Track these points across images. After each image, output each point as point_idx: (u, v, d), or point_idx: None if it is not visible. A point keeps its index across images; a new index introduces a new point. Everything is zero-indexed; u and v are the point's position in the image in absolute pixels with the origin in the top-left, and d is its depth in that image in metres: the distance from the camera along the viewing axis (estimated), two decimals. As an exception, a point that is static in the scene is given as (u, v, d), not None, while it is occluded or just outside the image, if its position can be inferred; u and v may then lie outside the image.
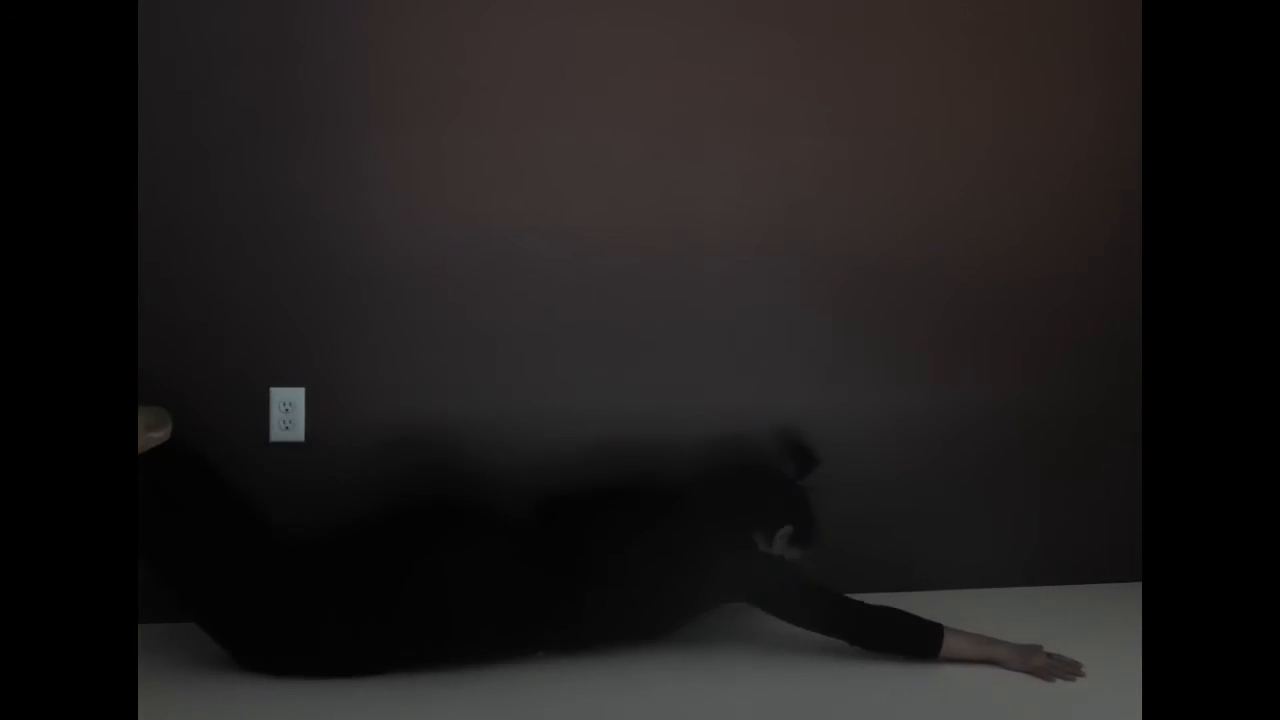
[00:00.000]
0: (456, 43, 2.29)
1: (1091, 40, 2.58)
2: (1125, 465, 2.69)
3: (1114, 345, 2.68)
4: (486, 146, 2.33)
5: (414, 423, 2.36)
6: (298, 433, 2.30)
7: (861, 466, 2.58)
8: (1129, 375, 2.69)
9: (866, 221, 2.52)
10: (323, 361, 2.30)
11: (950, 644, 2.10)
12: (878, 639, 2.10)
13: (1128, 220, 2.64)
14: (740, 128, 2.43)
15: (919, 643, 2.09)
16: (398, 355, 2.34)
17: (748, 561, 2.12)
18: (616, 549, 2.05)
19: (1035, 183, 2.61)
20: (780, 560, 2.19)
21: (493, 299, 2.37)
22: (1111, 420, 2.70)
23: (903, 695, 1.98)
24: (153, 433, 1.93)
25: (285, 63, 2.23)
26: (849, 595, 2.14)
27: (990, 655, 2.12)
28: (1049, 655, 2.12)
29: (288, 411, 2.30)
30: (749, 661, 2.14)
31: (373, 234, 2.31)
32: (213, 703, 1.87)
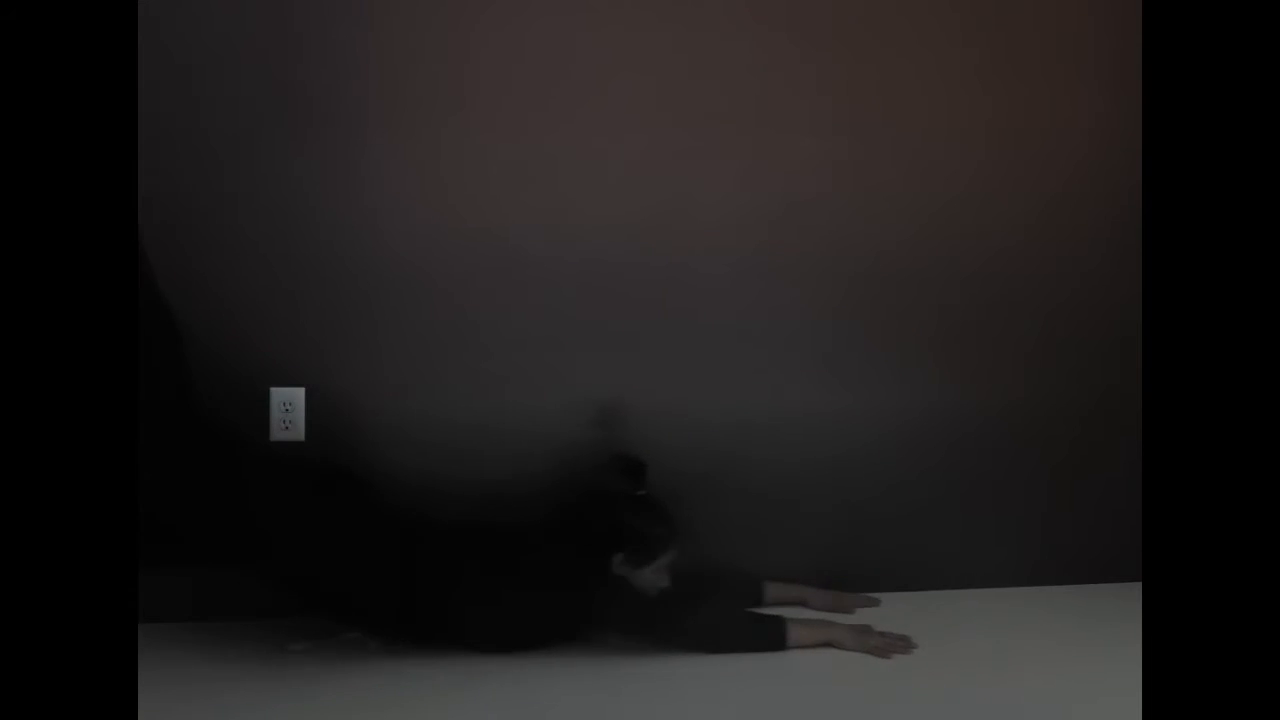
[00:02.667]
0: (457, 43, 2.29)
1: (1091, 41, 2.58)
2: (1125, 465, 2.69)
3: (1114, 345, 2.68)
4: (486, 146, 2.33)
5: (414, 423, 2.36)
6: (298, 433, 2.31)
7: (862, 466, 2.58)
8: (1129, 374, 2.69)
9: (866, 221, 2.52)
10: (323, 361, 2.30)
11: (794, 633, 2.17)
12: (728, 642, 2.16)
13: (1127, 220, 2.64)
14: (740, 128, 2.43)
15: (767, 637, 2.17)
16: (398, 355, 2.34)
17: (589, 594, 2.13)
18: (475, 571, 2.07)
19: (1035, 183, 2.61)
20: (622, 585, 2.17)
21: (493, 299, 2.37)
22: (1111, 420, 2.70)
23: (901, 695, 1.98)
24: None
25: (286, 63, 2.23)
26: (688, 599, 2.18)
27: (829, 637, 2.20)
28: (881, 634, 2.21)
29: (288, 411, 2.30)
30: (748, 663, 2.14)
31: (373, 234, 2.31)
32: (213, 703, 1.87)
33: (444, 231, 2.33)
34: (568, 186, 2.38)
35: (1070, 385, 2.68)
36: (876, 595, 2.48)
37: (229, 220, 2.25)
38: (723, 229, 2.46)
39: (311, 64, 2.24)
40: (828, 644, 2.20)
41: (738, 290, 2.48)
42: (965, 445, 2.63)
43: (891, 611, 2.46)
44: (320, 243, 2.29)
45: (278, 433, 2.30)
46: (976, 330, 2.62)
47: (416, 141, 2.30)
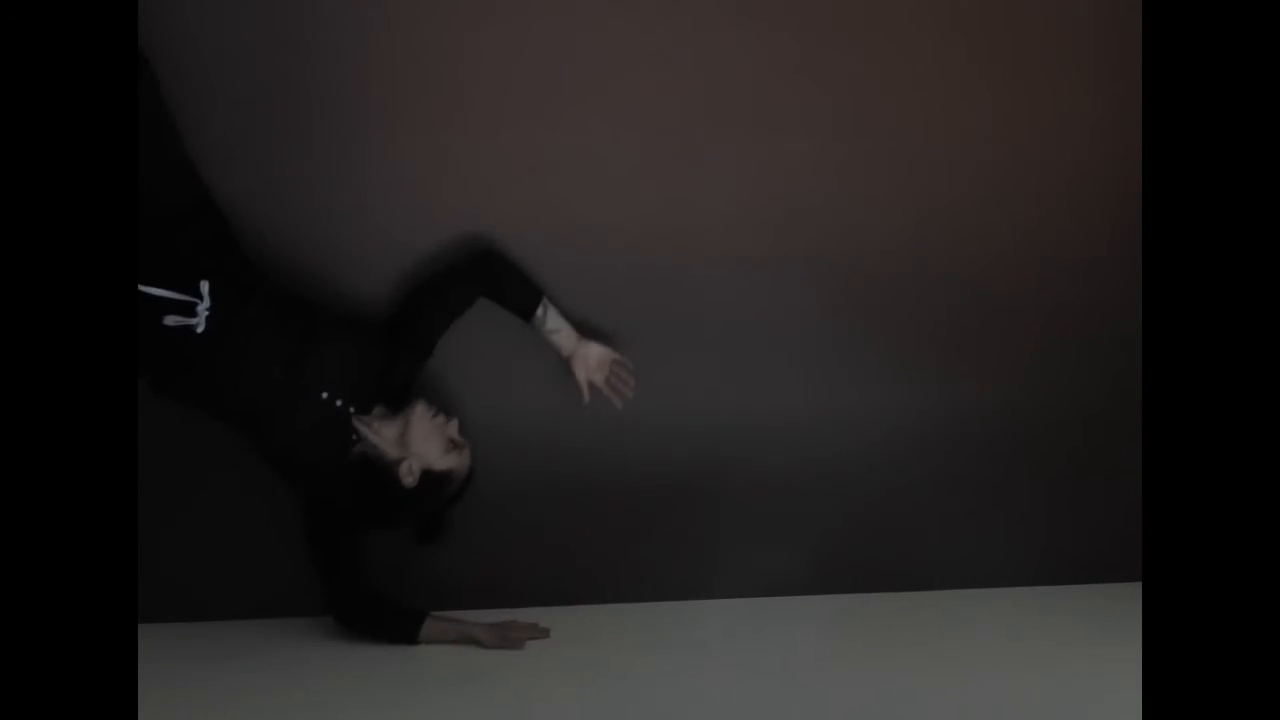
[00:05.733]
0: (457, 43, 2.29)
1: (1092, 40, 2.58)
2: (1125, 465, 2.69)
3: (1114, 345, 2.67)
4: (486, 146, 2.33)
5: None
6: (298, 433, 2.30)
7: (862, 467, 2.58)
8: (1129, 374, 2.68)
9: (867, 222, 2.52)
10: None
11: (429, 629, 2.21)
12: (362, 625, 2.21)
13: (1128, 220, 2.63)
14: (740, 128, 2.43)
15: (399, 629, 2.21)
16: (398, 355, 2.34)
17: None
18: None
19: (1035, 183, 2.60)
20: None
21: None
22: (1112, 420, 2.70)
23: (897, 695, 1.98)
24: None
25: (286, 63, 2.23)
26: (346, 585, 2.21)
27: (467, 635, 2.23)
28: (516, 626, 2.25)
29: None
30: (750, 664, 2.14)
31: (373, 234, 2.31)
32: (213, 703, 1.87)
33: (443, 232, 2.33)
34: (567, 187, 2.37)
35: (1071, 385, 2.68)
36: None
37: (229, 220, 2.24)
38: (723, 229, 2.45)
39: (311, 64, 2.23)
40: (466, 641, 2.23)
41: (738, 290, 2.48)
42: (965, 445, 2.63)
43: (892, 612, 2.46)
44: (320, 243, 2.29)
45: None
46: (977, 330, 2.62)
47: (415, 141, 2.30)
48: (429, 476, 2.12)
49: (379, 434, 2.12)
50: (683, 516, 2.52)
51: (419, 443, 2.11)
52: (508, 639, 2.23)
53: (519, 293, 2.26)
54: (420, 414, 2.13)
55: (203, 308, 1.99)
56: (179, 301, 1.97)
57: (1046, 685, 2.05)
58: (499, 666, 2.06)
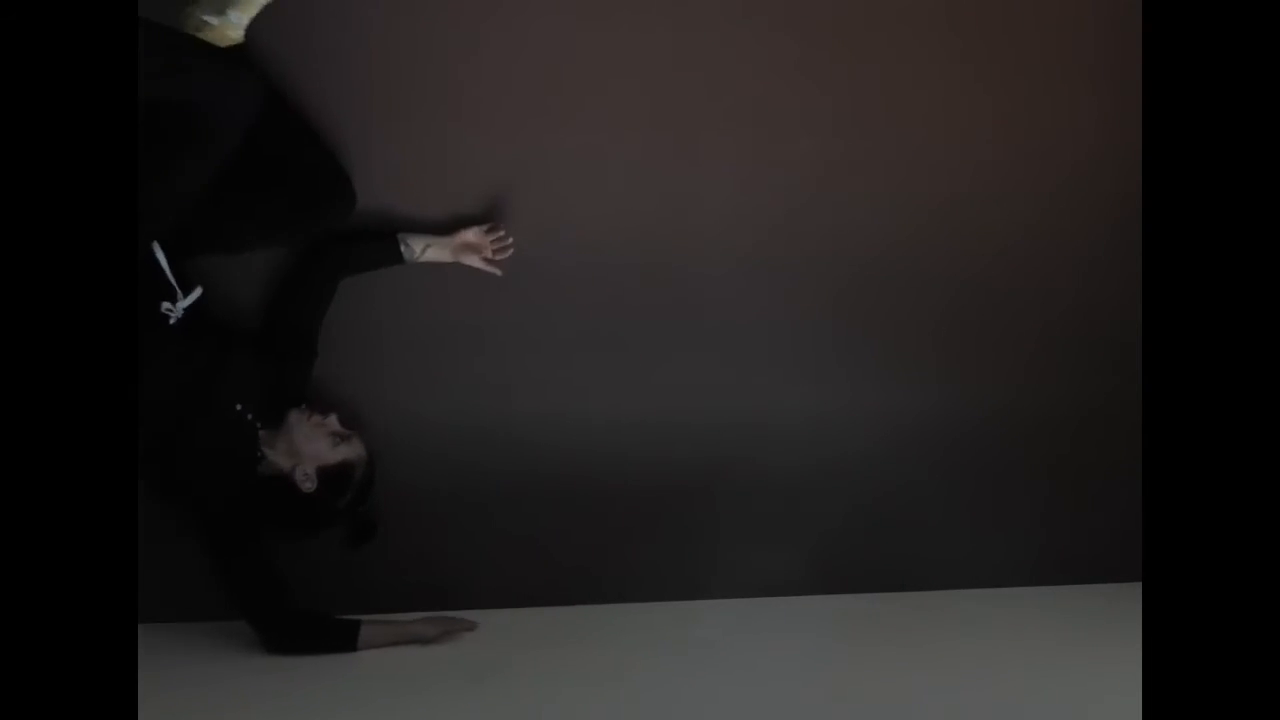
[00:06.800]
0: (457, 43, 2.29)
1: (1091, 40, 2.58)
2: (1125, 465, 2.68)
3: (1114, 344, 2.67)
4: (486, 146, 2.33)
5: (413, 422, 2.36)
6: (298, 433, 2.30)
7: (862, 467, 2.58)
8: (1129, 374, 2.68)
9: (866, 222, 2.52)
10: (323, 361, 2.30)
11: (366, 634, 2.14)
12: (299, 645, 2.13)
13: (1127, 220, 2.63)
14: (740, 128, 2.43)
15: (338, 639, 2.13)
16: (398, 355, 2.34)
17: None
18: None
19: (1035, 183, 2.60)
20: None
21: (492, 299, 2.36)
22: (1111, 420, 2.69)
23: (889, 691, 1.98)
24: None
25: (285, 63, 2.23)
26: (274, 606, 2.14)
27: (410, 634, 2.17)
28: (453, 623, 2.20)
29: None
30: (749, 664, 2.14)
31: (373, 234, 2.31)
32: (213, 702, 1.87)
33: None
34: (567, 187, 2.37)
35: (1070, 385, 2.68)
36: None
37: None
38: (722, 229, 2.45)
39: (310, 63, 2.23)
40: (408, 641, 2.17)
41: (737, 290, 2.48)
42: (965, 445, 2.63)
43: (892, 612, 2.46)
44: (320, 243, 2.29)
45: (278, 433, 2.29)
46: (977, 330, 2.62)
47: (415, 141, 2.30)
48: (326, 474, 2.12)
49: (273, 449, 2.13)
50: (683, 516, 2.51)
51: (304, 445, 2.11)
52: (451, 631, 2.20)
53: (373, 251, 2.24)
54: (296, 419, 2.13)
55: (183, 302, 2.00)
56: (164, 285, 1.98)
57: (1046, 685, 2.05)
58: (497, 667, 2.06)
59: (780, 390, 2.52)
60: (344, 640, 2.13)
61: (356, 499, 2.19)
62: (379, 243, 2.24)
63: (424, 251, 2.23)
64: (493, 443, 2.39)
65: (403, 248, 2.23)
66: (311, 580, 2.30)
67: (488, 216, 2.33)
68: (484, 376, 2.39)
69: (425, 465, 2.35)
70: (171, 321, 2.00)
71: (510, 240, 2.28)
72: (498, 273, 2.26)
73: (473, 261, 2.26)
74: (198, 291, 2.06)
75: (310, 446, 2.12)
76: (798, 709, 1.91)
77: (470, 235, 2.25)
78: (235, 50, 2.04)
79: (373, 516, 2.24)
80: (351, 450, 2.16)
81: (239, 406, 2.11)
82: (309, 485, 2.11)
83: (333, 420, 2.15)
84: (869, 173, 2.51)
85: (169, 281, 2.02)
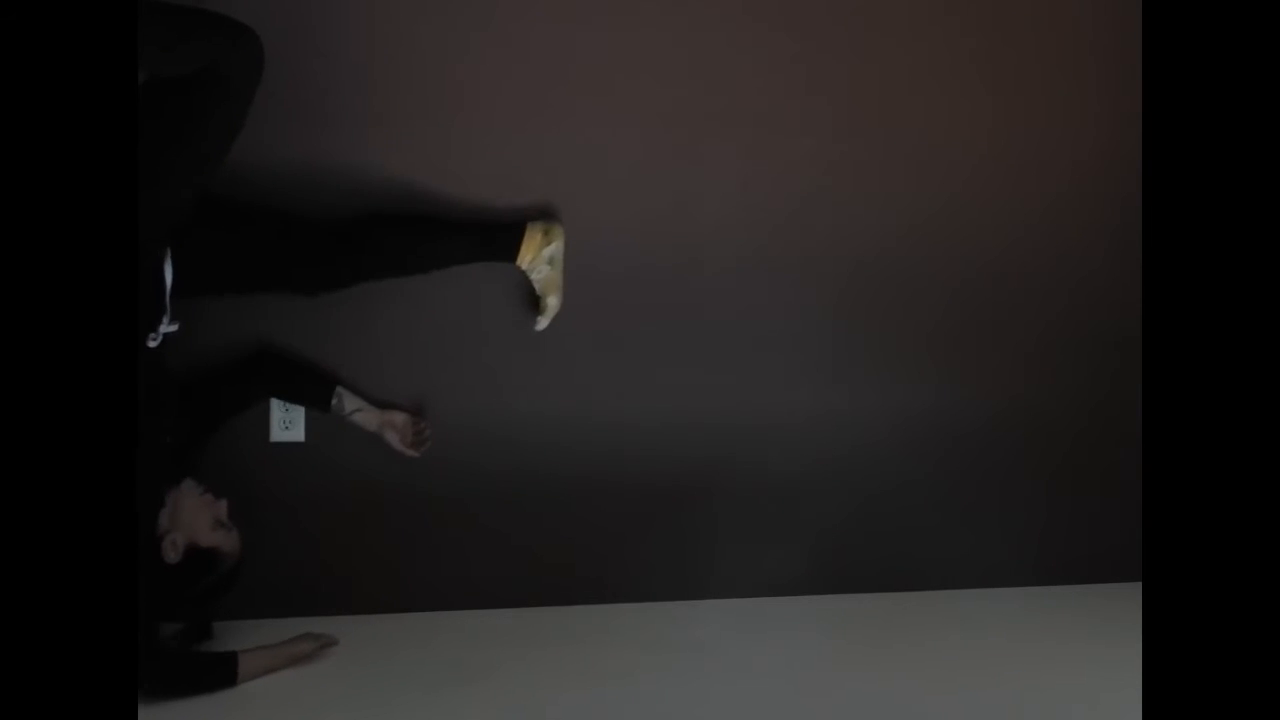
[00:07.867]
0: (458, 44, 2.29)
1: (1091, 40, 2.58)
2: (1125, 465, 2.69)
3: (1114, 344, 2.68)
4: (486, 146, 2.33)
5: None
6: (298, 433, 2.30)
7: (862, 467, 2.58)
8: (1129, 374, 2.68)
9: (866, 222, 2.52)
10: (323, 361, 2.30)
11: (245, 665, 2.01)
12: (179, 688, 1.97)
13: (1127, 220, 2.64)
14: (739, 128, 2.43)
15: (217, 676, 2.00)
16: (398, 354, 2.34)
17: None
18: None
19: (1035, 183, 2.60)
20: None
21: (492, 299, 2.36)
22: (1111, 420, 2.70)
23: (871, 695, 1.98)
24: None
25: (286, 62, 2.22)
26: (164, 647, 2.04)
27: (288, 657, 2.08)
28: (317, 640, 2.11)
29: (288, 411, 2.30)
30: (749, 664, 2.14)
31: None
32: (213, 703, 1.87)
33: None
34: (567, 187, 2.37)
35: (1070, 385, 2.68)
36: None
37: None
38: (723, 229, 2.45)
39: (311, 63, 2.23)
40: (289, 664, 2.08)
41: (738, 290, 2.48)
42: (965, 445, 2.63)
43: (892, 612, 2.46)
44: (320, 243, 2.29)
45: (278, 433, 2.30)
46: (977, 330, 2.62)
47: (416, 141, 2.30)
48: (193, 553, 2.03)
49: (162, 505, 2.06)
50: (683, 516, 2.51)
51: (186, 515, 2.04)
52: (326, 644, 2.11)
53: (309, 388, 2.27)
54: (188, 489, 2.07)
55: (165, 328, 1.99)
56: (157, 306, 1.98)
57: (1046, 685, 2.05)
58: (498, 667, 2.06)
59: (780, 390, 2.52)
60: (222, 676, 2.00)
61: (208, 592, 2.10)
62: (317, 386, 2.26)
63: (353, 414, 2.26)
64: (492, 443, 2.39)
65: (335, 400, 2.25)
66: (312, 580, 2.31)
67: (485, 216, 2.33)
68: (484, 376, 2.39)
69: (425, 465, 2.35)
70: (150, 345, 1.98)
71: (429, 434, 2.31)
72: (415, 454, 2.29)
73: (392, 440, 2.28)
74: (175, 325, 2.02)
75: (191, 519, 2.05)
76: (797, 709, 1.91)
77: (397, 418, 2.29)
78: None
79: (210, 621, 2.16)
80: (227, 541, 2.08)
81: (169, 440, 2.07)
82: (173, 556, 2.01)
83: (221, 506, 2.09)
84: (869, 173, 2.51)
85: (164, 303, 1.99)
